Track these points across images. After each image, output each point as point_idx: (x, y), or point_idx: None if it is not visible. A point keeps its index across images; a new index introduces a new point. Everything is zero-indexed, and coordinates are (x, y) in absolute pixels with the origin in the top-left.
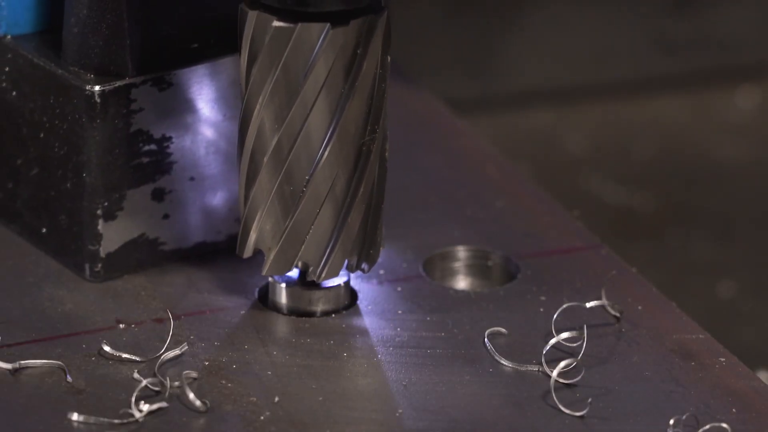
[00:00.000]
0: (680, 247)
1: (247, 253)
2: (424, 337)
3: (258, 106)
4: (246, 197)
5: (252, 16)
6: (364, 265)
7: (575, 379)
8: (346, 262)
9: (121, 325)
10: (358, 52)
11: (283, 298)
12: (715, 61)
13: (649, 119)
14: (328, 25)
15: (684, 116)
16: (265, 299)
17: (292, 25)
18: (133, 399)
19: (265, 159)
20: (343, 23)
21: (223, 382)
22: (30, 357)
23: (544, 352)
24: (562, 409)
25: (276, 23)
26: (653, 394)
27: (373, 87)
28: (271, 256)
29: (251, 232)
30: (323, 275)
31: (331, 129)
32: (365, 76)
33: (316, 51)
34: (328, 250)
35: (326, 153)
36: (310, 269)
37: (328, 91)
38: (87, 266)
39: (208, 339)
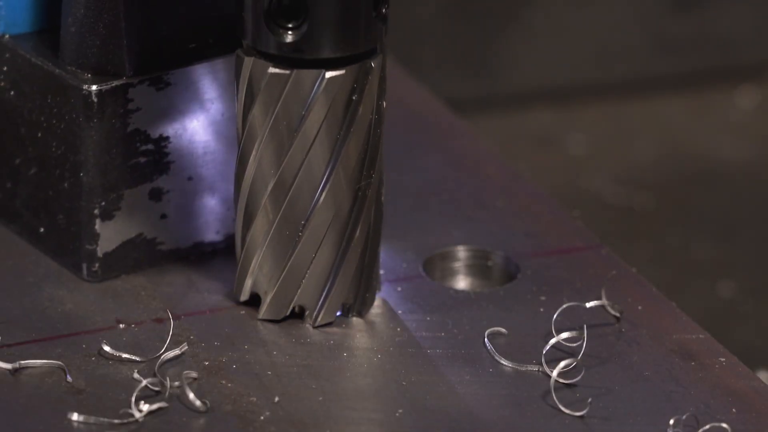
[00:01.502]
0: (680, 247)
1: (244, 296)
2: (424, 337)
3: (254, 150)
4: (243, 239)
5: (248, 63)
6: (360, 310)
7: (575, 379)
8: (341, 306)
9: (121, 325)
10: (354, 97)
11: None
12: (715, 61)
13: (649, 119)
14: (324, 71)
15: (684, 116)
16: None
17: (287, 72)
18: (133, 399)
19: (263, 202)
20: (338, 69)
21: (223, 382)
22: (30, 357)
23: (544, 352)
24: (562, 409)
25: (272, 69)
26: (653, 394)
27: (369, 132)
28: (268, 300)
29: (248, 276)
30: (319, 319)
31: (327, 173)
32: (361, 121)
33: (311, 97)
34: (324, 294)
35: (323, 197)
36: (307, 313)
37: (324, 136)
38: (84, 266)
39: (208, 339)
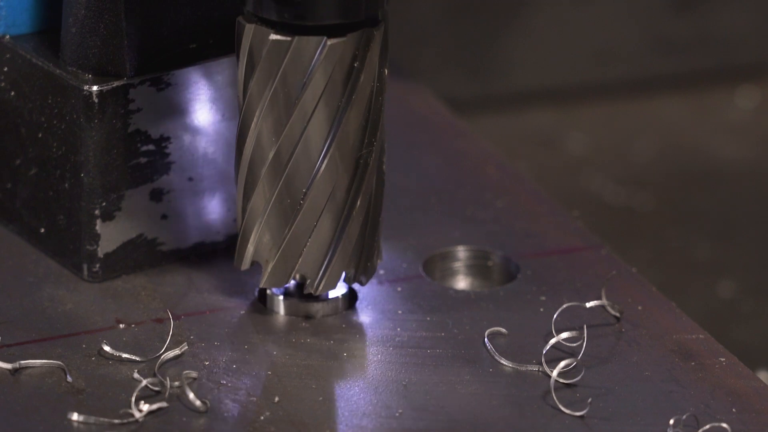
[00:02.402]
0: (680, 247)
1: (245, 265)
2: (424, 337)
3: (256, 118)
4: (244, 209)
5: (249, 29)
6: (361, 278)
7: (575, 379)
8: (343, 274)
9: (121, 325)
10: (356, 65)
11: (281, 299)
12: (715, 61)
13: (649, 119)
14: (325, 38)
15: (684, 116)
16: (264, 299)
17: (289, 39)
18: (133, 399)
19: (263, 171)
20: (340, 36)
21: (223, 382)
22: (30, 357)
23: (544, 352)
24: (562, 409)
25: (273, 36)
26: (653, 394)
27: (371, 100)
28: (269, 269)
29: (249, 245)
30: (321, 287)
31: (328, 141)
32: (362, 89)
33: (313, 64)
34: (326, 263)
35: (324, 165)
36: (308, 281)
37: (325, 104)
38: (85, 266)
39: (208, 339)
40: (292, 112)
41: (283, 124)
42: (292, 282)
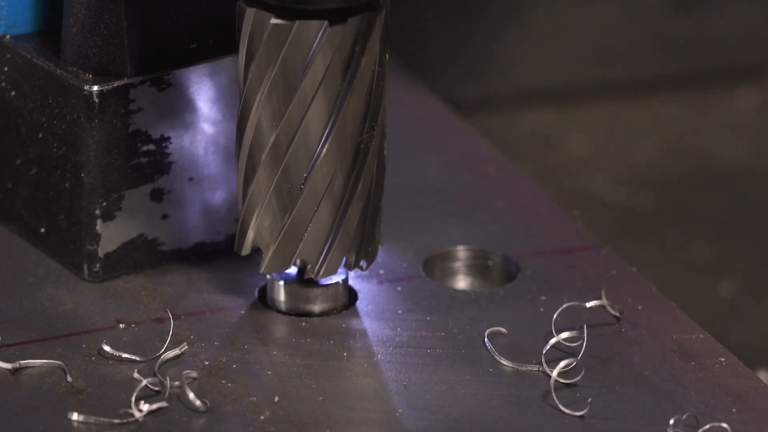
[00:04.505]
0: (680, 247)
1: (245, 250)
2: (424, 337)
3: (256, 104)
4: (244, 195)
5: (250, 14)
6: (362, 263)
7: (575, 379)
8: (344, 259)
9: (121, 325)
10: (356, 49)
11: (281, 296)
12: (715, 61)
13: (649, 119)
14: (326, 22)
15: (684, 116)
16: (264, 299)
17: (290, 23)
18: (133, 399)
19: (263, 156)
20: (341, 21)
21: (223, 382)
22: (30, 357)
23: (544, 352)
24: (562, 409)
25: (274, 21)
26: (653, 394)
27: (372, 84)
28: (269, 254)
29: (249, 230)
30: (321, 273)
31: (329, 126)
32: (363, 73)
33: (314, 48)
34: (326, 248)
35: (324, 150)
36: (308, 267)
37: (326, 89)
38: (85, 266)
39: (208, 339)
40: (292, 98)
41: (283, 109)
42: (294, 268)
